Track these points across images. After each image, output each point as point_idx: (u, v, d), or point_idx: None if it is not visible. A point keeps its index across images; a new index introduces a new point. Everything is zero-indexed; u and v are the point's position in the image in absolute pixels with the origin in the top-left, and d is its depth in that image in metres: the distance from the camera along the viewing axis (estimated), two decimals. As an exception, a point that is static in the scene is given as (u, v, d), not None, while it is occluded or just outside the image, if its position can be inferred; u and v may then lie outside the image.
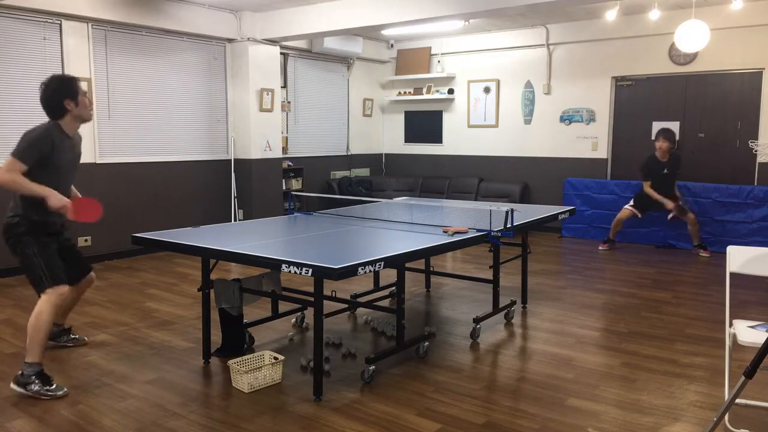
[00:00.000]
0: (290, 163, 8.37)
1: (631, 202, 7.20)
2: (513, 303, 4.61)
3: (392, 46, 9.65)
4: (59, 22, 6.03)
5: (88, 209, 3.42)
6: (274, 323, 4.33)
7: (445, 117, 9.36)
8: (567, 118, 8.26)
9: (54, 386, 3.23)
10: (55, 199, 3.28)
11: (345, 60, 9.17)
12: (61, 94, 3.35)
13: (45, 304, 3.28)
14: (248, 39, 7.38)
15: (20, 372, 3.25)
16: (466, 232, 3.67)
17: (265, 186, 7.76)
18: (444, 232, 3.71)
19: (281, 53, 7.98)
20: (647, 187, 6.96)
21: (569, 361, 3.72)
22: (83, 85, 3.42)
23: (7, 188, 3.25)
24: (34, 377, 3.20)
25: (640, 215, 7.14)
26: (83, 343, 4.02)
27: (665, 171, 6.90)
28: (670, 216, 6.95)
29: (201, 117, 7.41)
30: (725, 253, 3.07)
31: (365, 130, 9.75)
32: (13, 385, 3.24)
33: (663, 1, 6.81)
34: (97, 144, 6.41)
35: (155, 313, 4.74)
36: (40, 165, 3.28)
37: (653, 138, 7.28)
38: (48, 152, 3.29)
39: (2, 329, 4.29)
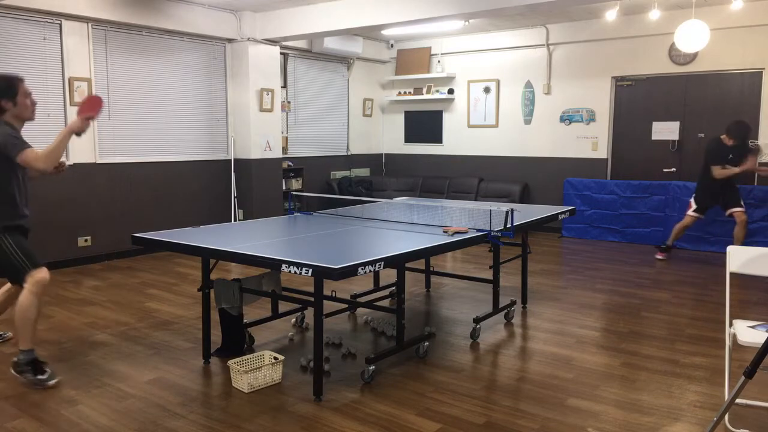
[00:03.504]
0: (290, 163, 8.37)
1: (693, 206, 6.56)
2: (513, 303, 4.61)
3: (392, 46, 9.65)
4: (59, 22, 6.03)
5: (93, 104, 3.51)
6: (274, 323, 4.33)
7: (445, 117, 9.36)
8: (567, 118, 8.26)
9: (46, 375, 3.33)
10: (74, 125, 3.36)
11: (345, 60, 9.17)
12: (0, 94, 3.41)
13: (27, 293, 3.34)
14: (248, 39, 7.38)
15: (15, 358, 3.37)
16: (466, 232, 3.67)
17: (265, 186, 7.76)
18: (444, 232, 3.71)
19: (281, 53, 7.98)
20: (718, 171, 6.32)
21: (569, 361, 3.72)
22: (28, 86, 3.46)
23: (53, 164, 3.31)
24: (27, 366, 3.31)
25: (702, 217, 6.58)
26: (8, 338, 4.08)
27: (731, 156, 6.33)
28: (728, 212, 6.42)
29: (201, 117, 7.41)
30: (725, 253, 3.07)
31: (365, 130, 9.75)
32: (11, 370, 3.36)
33: (663, 1, 6.80)
34: (97, 144, 6.41)
35: (155, 313, 4.74)
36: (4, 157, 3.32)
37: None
38: None
39: (2, 329, 4.28)
